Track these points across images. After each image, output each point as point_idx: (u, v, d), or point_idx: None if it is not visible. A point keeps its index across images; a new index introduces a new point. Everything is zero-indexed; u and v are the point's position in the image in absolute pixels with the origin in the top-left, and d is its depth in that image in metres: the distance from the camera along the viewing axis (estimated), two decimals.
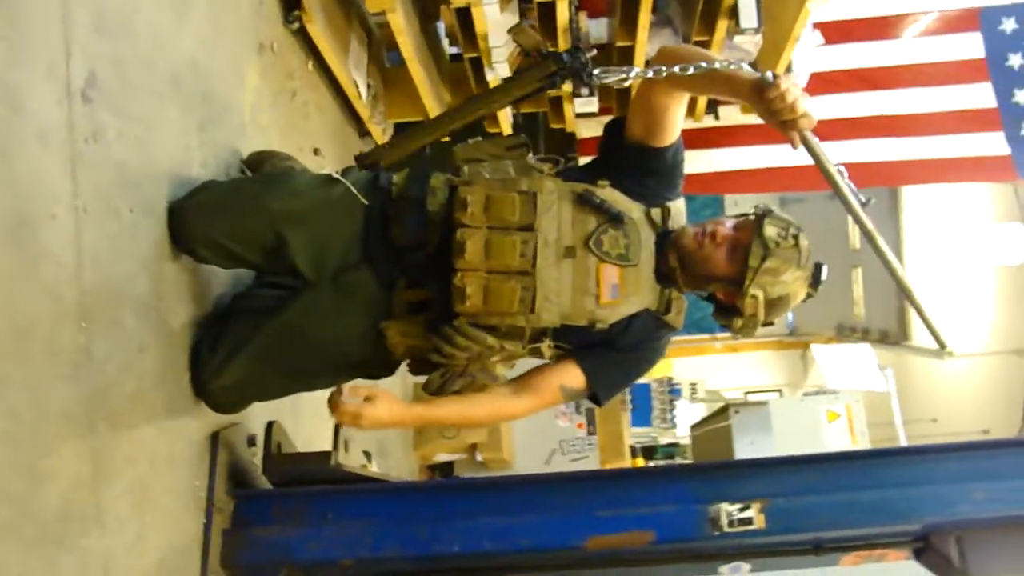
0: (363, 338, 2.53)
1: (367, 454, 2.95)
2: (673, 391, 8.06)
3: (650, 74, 2.28)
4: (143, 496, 2.33)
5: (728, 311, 2.54)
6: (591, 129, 5.16)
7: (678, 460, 7.69)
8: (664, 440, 7.94)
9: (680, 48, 2.56)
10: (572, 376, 2.56)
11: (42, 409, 1.94)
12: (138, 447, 2.32)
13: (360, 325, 2.52)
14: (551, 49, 2.48)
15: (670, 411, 7.98)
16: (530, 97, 2.58)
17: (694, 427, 7.18)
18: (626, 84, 2.35)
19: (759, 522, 2.59)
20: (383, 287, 2.50)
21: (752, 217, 2.48)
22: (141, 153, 2.41)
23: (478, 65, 4.39)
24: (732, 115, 5.07)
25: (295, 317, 2.53)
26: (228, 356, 2.57)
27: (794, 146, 2.19)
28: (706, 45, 4.35)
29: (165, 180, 2.53)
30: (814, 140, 2.18)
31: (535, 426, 5.78)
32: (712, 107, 5.00)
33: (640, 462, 7.13)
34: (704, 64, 2.24)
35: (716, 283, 2.50)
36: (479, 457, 5.68)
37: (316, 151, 4.05)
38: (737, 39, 4.17)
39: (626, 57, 4.52)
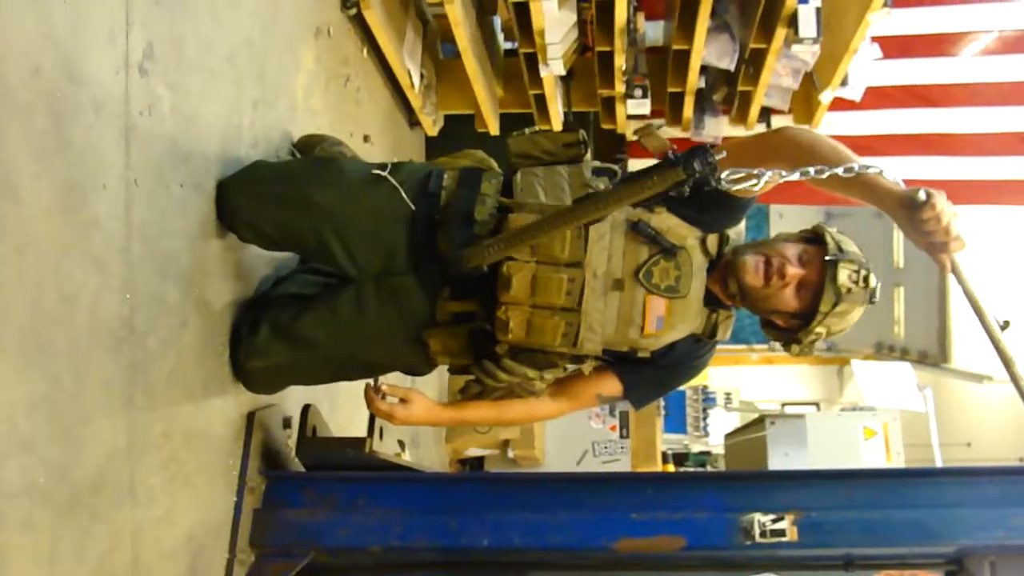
0: (404, 341, 2.52)
1: (401, 443, 2.94)
2: (707, 400, 8.01)
3: (788, 176, 2.07)
4: (176, 471, 2.33)
5: (784, 333, 2.50)
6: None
7: (709, 469, 7.63)
8: (696, 448, 7.88)
9: (806, 135, 2.28)
10: (609, 386, 2.56)
11: (83, 378, 1.95)
12: (174, 422, 2.32)
13: (402, 329, 2.50)
14: (677, 152, 2.16)
15: (703, 419, 7.94)
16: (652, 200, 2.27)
17: (729, 436, 7.13)
18: (756, 189, 2.15)
19: (791, 534, 2.55)
20: (427, 295, 2.47)
21: (816, 245, 2.38)
22: (193, 129, 2.42)
23: (533, 61, 4.38)
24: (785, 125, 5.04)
25: (337, 311, 2.52)
26: (267, 340, 2.57)
27: (944, 271, 2.07)
28: (763, 53, 4.31)
29: (215, 157, 2.53)
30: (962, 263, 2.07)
31: (568, 426, 5.76)
32: (765, 116, 4.96)
33: (671, 469, 7.09)
34: (850, 167, 2.05)
35: (778, 316, 2.45)
36: (511, 454, 5.67)
37: (366, 138, 4.06)
38: (795, 48, 4.13)
39: (682, 61, 4.49)
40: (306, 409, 2.81)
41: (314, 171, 2.55)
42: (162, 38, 2.25)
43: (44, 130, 1.82)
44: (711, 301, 2.47)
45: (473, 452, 5.74)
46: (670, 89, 4.76)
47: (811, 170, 2.06)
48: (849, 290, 2.32)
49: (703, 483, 2.78)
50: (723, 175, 2.07)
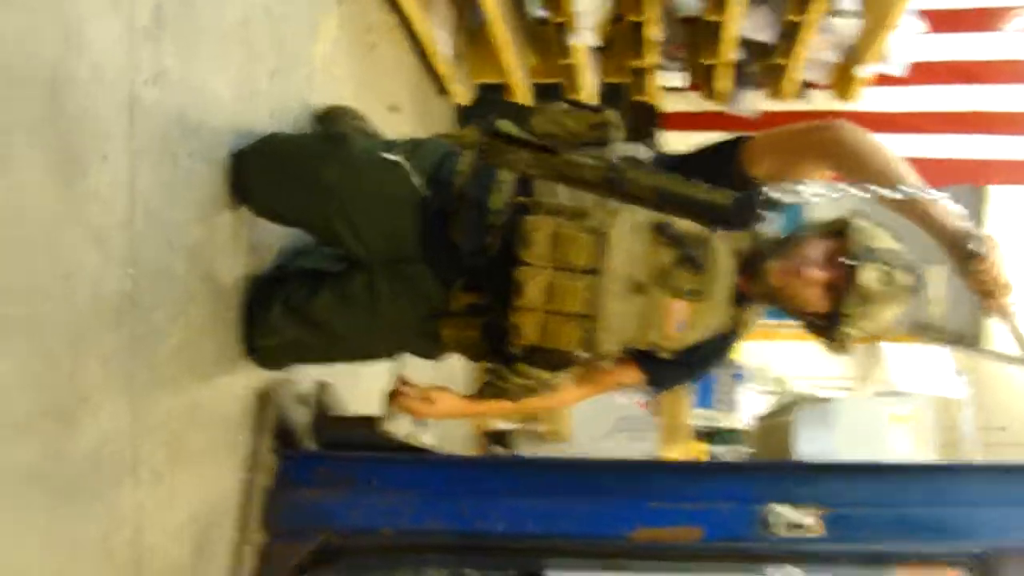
0: (416, 330, 2.44)
1: (423, 425, 2.88)
2: (736, 376, 7.90)
3: (831, 195, 1.88)
4: (181, 449, 2.28)
5: (818, 330, 2.36)
6: (676, 103, 5.02)
7: (740, 448, 7.50)
8: (725, 424, 7.75)
9: (854, 138, 2.09)
10: (631, 375, 2.49)
11: (81, 354, 1.89)
12: (179, 399, 2.27)
13: (414, 318, 2.42)
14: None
15: (732, 395, 7.83)
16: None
17: (758, 419, 7.03)
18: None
19: (814, 528, 2.48)
20: (441, 284, 2.38)
21: (843, 241, 2.24)
22: (204, 98, 2.35)
23: (564, 31, 4.27)
24: (823, 100, 4.89)
25: (349, 295, 2.45)
26: (279, 318, 2.51)
27: (987, 314, 2.03)
28: (801, 26, 4.17)
29: (228, 128, 2.46)
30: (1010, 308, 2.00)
31: (595, 401, 5.68)
32: (803, 90, 4.82)
33: (701, 446, 6.98)
34: (902, 191, 1.89)
35: (807, 316, 2.33)
36: (537, 428, 5.61)
37: (392, 108, 3.97)
38: (835, 21, 4.00)
39: (713, 34, 4.36)
40: (321, 387, 2.75)
41: (324, 148, 2.45)
42: (171, 2, 2.17)
43: (39, 98, 1.75)
44: (740, 299, 2.36)
45: (499, 425, 5.69)
46: (705, 61, 4.63)
47: (856, 190, 1.95)
48: (875, 292, 2.19)
49: (723, 472, 2.72)
50: (770, 195, 1.96)
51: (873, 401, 5.88)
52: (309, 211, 2.41)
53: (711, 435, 7.71)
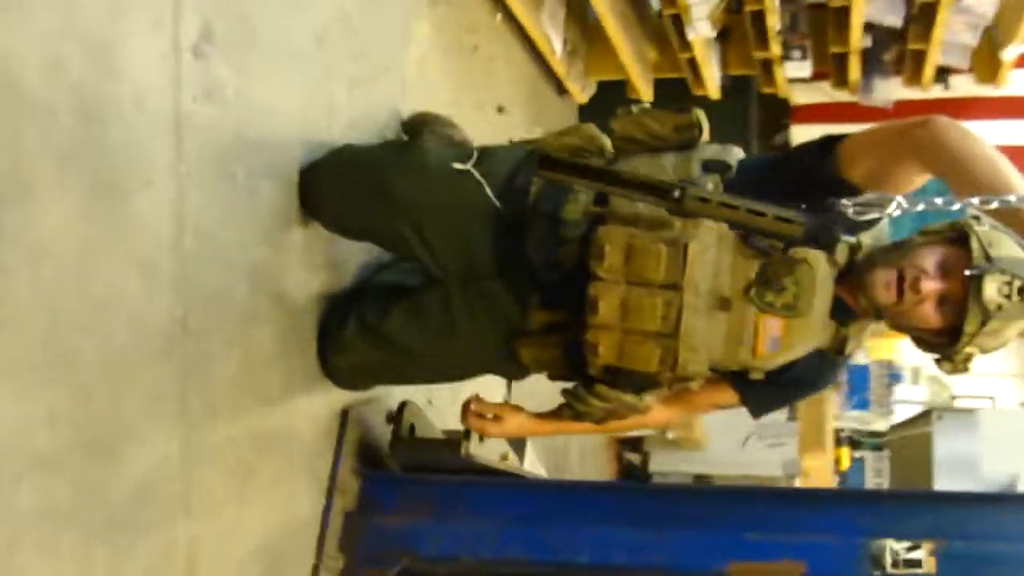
0: (494, 349, 2.31)
1: (520, 446, 2.78)
2: (893, 375, 7.50)
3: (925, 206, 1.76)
4: (247, 477, 2.21)
5: (933, 348, 2.14)
6: (806, 95, 4.76)
7: (884, 454, 7.09)
8: (878, 427, 7.34)
9: (955, 137, 1.88)
10: (725, 395, 2.32)
11: (120, 385, 1.82)
12: (242, 425, 2.19)
13: (492, 337, 2.29)
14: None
15: (889, 396, 7.44)
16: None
17: (894, 429, 6.65)
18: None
19: (928, 566, 2.25)
20: (517, 302, 2.25)
21: (962, 248, 2.00)
22: (267, 113, 2.27)
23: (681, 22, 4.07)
24: (965, 86, 4.56)
25: (424, 313, 2.34)
26: (354, 336, 2.42)
27: None
28: (934, 7, 3.87)
29: (297, 142, 2.38)
30: None
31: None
32: (942, 75, 4.50)
33: (844, 452, 6.63)
34: (1006, 199, 1.70)
35: (921, 333, 2.11)
36: (669, 435, 5.42)
37: (500, 109, 3.86)
38: (968, 1, 3.68)
39: (843, 18, 4.08)
40: (402, 406, 2.65)
41: (394, 158, 2.35)
42: (224, 17, 2.09)
43: (69, 128, 1.69)
44: (841, 312, 2.15)
45: (633, 432, 5.51)
46: (832, 49, 4.35)
47: (956, 203, 1.75)
48: (1000, 306, 1.94)
49: (829, 501, 2.51)
50: (846, 206, 1.81)
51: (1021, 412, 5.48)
52: (379, 225, 2.31)
53: (856, 442, 7.30)
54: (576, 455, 4.98)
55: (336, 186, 2.35)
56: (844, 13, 4.03)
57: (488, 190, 2.21)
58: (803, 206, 1.88)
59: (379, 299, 2.43)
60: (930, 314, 2.01)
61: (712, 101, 4.63)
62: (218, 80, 2.08)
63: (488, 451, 2.56)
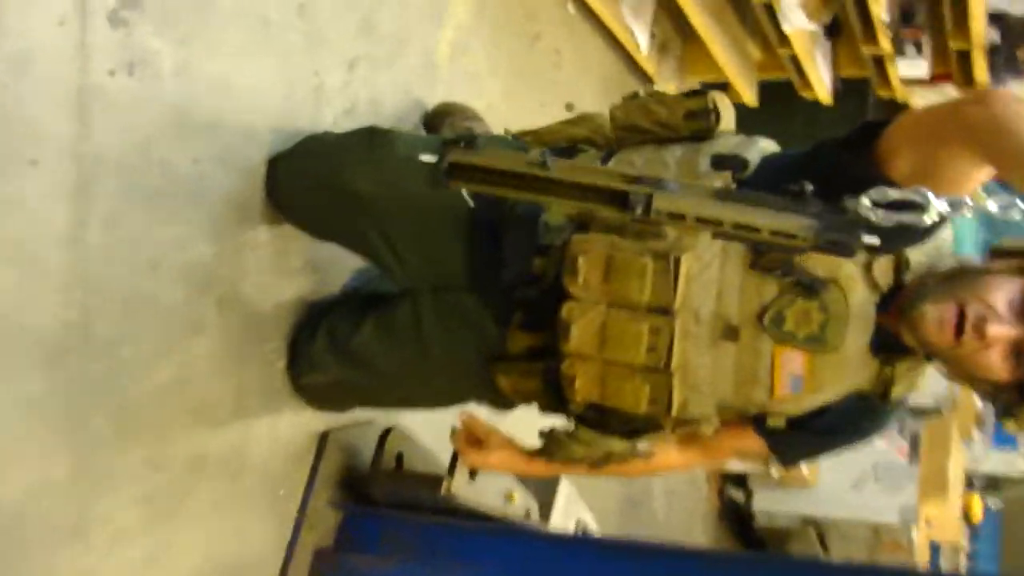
0: (472, 374, 1.94)
1: (524, 486, 2.42)
2: None
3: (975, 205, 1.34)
4: (174, 505, 1.92)
5: (996, 399, 1.69)
6: (928, 99, 4.24)
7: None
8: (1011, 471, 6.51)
9: (1011, 111, 1.45)
10: (750, 441, 1.87)
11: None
12: (169, 446, 1.91)
13: (468, 359, 1.93)
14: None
15: None
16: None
17: (1008, 484, 5.94)
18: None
19: None
20: (496, 320, 1.88)
21: None
22: (223, 92, 1.99)
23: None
24: None
25: (393, 328, 2.00)
26: (322, 351, 2.10)
27: None
28: None
29: (267, 128, 2.08)
30: None
31: None
32: None
33: (975, 501, 5.94)
34: None
35: (982, 384, 1.67)
36: (774, 472, 4.93)
37: (569, 107, 3.50)
38: None
39: (958, 9, 3.57)
40: (386, 433, 2.33)
41: (360, 150, 1.99)
42: None
43: None
44: (887, 346, 1.72)
45: (734, 466, 5.05)
46: (954, 46, 3.82)
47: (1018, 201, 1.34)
48: None
49: None
50: (866, 202, 1.34)
51: None
52: (341, 225, 2.00)
53: (995, 483, 6.48)
54: (661, 492, 4.56)
55: (296, 180, 2.04)
56: (962, 3, 3.51)
57: (465, 192, 1.86)
58: (822, 207, 1.44)
59: (354, 310, 2.11)
60: (996, 364, 1.58)
61: (824, 107, 4.17)
62: (147, 51, 1.81)
63: (481, 490, 2.21)
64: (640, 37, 3.69)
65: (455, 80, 2.80)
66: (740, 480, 5.24)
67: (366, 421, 2.38)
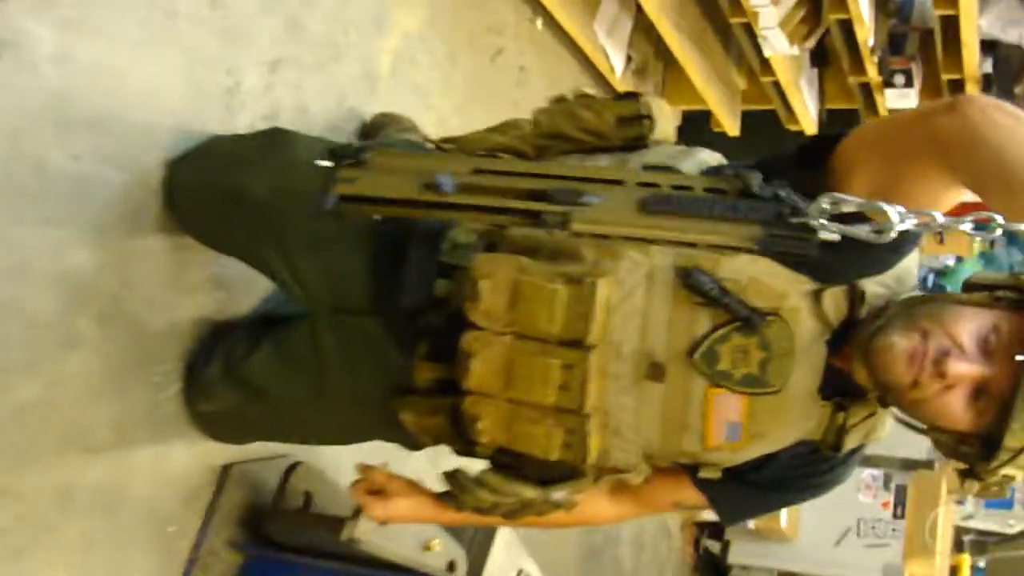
0: (374, 405, 1.70)
1: (454, 537, 2.20)
2: None
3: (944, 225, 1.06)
4: (31, 540, 1.72)
5: (957, 456, 1.43)
6: None
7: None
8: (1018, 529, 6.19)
9: (991, 122, 1.23)
10: (688, 492, 1.64)
11: None
12: (27, 476, 1.70)
13: (368, 388, 1.70)
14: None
15: None
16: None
17: (995, 546, 5.66)
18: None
19: None
20: (401, 348, 1.64)
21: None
22: (115, 86, 1.81)
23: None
24: None
25: (292, 350, 1.79)
26: (217, 377, 1.90)
27: None
28: None
29: (167, 128, 1.90)
30: None
31: (828, 495, 4.73)
32: None
33: (964, 561, 5.65)
34: None
35: (942, 434, 1.43)
36: (750, 524, 4.69)
37: None
38: None
39: (949, 35, 3.35)
40: (291, 468, 2.11)
41: (261, 151, 1.79)
42: None
43: None
44: (837, 389, 1.49)
45: (708, 516, 4.81)
46: (945, 76, 3.60)
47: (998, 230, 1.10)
48: None
49: None
50: (816, 212, 1.09)
51: None
52: (237, 235, 1.80)
53: (982, 546, 6.17)
54: (628, 540, 4.32)
55: (191, 185, 1.85)
56: (952, 26, 3.28)
57: None
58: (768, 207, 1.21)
59: (253, 332, 1.91)
60: (958, 408, 1.35)
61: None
62: (20, 32, 1.63)
63: (393, 536, 1.99)
64: (615, 60, 3.50)
65: (399, 92, 2.61)
66: (717, 530, 5.00)
67: (280, 455, 2.18)
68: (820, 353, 1.46)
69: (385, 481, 1.74)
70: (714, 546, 5.01)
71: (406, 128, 2.41)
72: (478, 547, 2.44)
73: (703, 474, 1.57)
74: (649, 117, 1.60)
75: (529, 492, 1.58)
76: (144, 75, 1.86)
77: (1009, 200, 1.17)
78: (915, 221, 1.07)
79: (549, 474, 1.59)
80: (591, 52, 3.44)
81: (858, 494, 4.84)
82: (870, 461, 4.84)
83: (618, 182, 1.18)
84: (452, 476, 1.63)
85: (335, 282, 1.71)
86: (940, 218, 1.07)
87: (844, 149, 1.39)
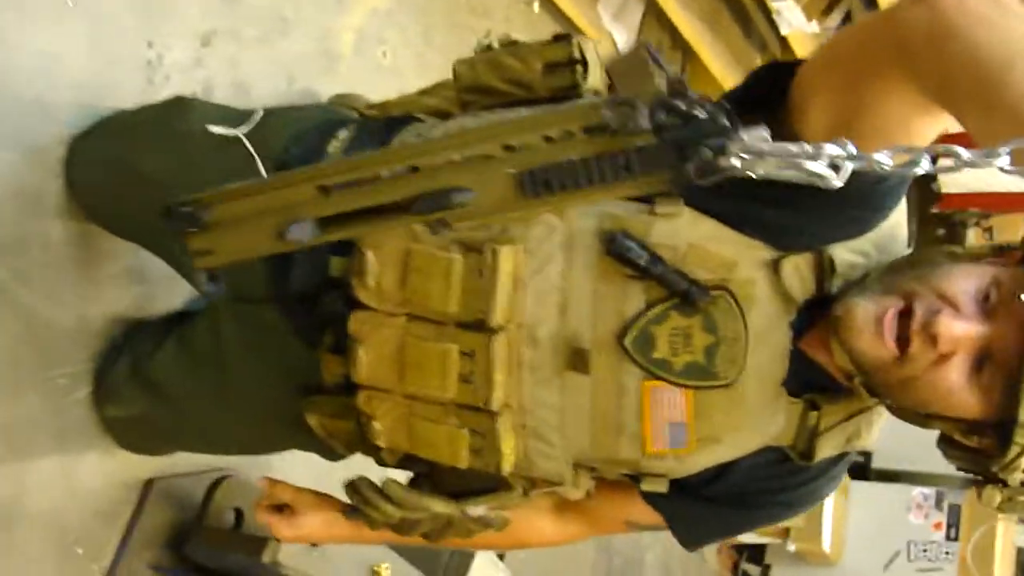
0: (281, 407, 1.48)
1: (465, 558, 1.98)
2: None
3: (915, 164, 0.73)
4: None
5: (966, 456, 1.19)
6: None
7: None
8: None
9: (966, 14, 0.96)
10: (641, 509, 1.39)
11: None
12: None
13: (273, 388, 1.48)
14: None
15: None
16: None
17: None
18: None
19: None
20: (303, 340, 1.42)
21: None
22: (4, 57, 1.62)
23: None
24: None
25: (193, 344, 1.59)
26: (123, 378, 1.70)
27: None
28: None
29: (70, 104, 1.70)
30: None
31: (875, 516, 4.42)
32: None
33: None
34: None
35: (942, 423, 1.17)
36: (791, 547, 4.40)
37: None
38: None
39: None
40: (216, 483, 1.90)
41: (158, 124, 1.59)
42: None
43: None
44: (808, 383, 1.24)
45: (747, 537, 4.52)
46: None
47: (963, 153, 0.80)
48: None
49: None
50: (745, 154, 0.80)
51: None
52: (132, 216, 1.59)
53: None
54: (654, 563, 4.05)
55: (88, 163, 1.66)
56: None
57: (261, 167, 1.43)
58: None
59: (164, 327, 1.71)
60: (957, 386, 1.09)
61: None
62: None
63: (328, 558, 1.78)
64: (622, 39, 3.26)
65: (362, 73, 2.40)
66: (756, 553, 4.71)
67: (214, 468, 1.97)
68: (782, 337, 1.20)
69: (292, 497, 1.53)
70: (753, 570, 4.71)
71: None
72: (453, 573, 2.22)
73: (645, 486, 1.32)
74: (582, 62, 1.36)
75: (439, 507, 1.35)
76: (42, 45, 1.68)
77: (984, 118, 0.92)
78: (888, 160, 0.80)
79: (469, 486, 1.37)
80: (595, 37, 3.21)
81: (908, 514, 4.51)
82: (920, 479, 4.53)
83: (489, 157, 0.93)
84: (352, 486, 1.40)
85: (232, 267, 1.50)
86: (885, 158, 0.80)
87: (800, 79, 1.15)
